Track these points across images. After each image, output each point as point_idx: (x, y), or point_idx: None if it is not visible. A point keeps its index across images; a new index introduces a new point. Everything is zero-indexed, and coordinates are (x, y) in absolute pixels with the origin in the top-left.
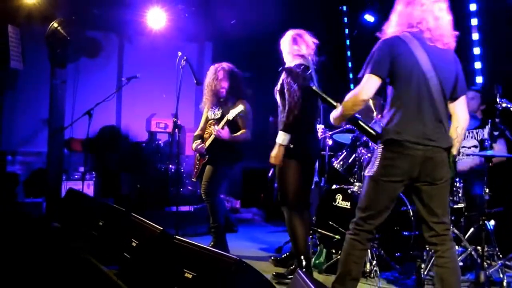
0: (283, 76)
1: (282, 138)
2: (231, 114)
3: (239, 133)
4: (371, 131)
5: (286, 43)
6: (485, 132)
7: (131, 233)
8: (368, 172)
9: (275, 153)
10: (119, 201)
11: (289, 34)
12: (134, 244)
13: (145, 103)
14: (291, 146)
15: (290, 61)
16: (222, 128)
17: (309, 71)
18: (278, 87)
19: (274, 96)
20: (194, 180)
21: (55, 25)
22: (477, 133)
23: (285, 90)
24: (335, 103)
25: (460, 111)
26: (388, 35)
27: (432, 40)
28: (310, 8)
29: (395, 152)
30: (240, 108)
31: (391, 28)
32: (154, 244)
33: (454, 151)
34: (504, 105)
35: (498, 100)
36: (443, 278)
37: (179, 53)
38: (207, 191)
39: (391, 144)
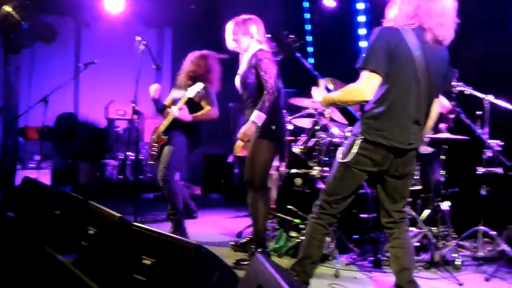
0: (254, 60)
1: (258, 117)
2: (190, 92)
3: (201, 111)
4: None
5: (252, 26)
6: None
7: (88, 221)
8: (341, 158)
9: (247, 130)
10: (77, 190)
11: (246, 18)
12: (91, 232)
13: (104, 89)
14: (273, 127)
15: (247, 45)
16: (180, 108)
17: (296, 41)
18: (242, 73)
19: (235, 82)
20: (152, 163)
21: (8, 9)
22: None
23: (261, 72)
24: (320, 78)
25: (435, 106)
26: (387, 24)
27: (431, 37)
28: None
29: (374, 147)
30: (199, 85)
31: (391, 15)
32: (112, 232)
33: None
34: (459, 88)
35: (454, 84)
36: (398, 257)
37: (138, 38)
38: (164, 178)
39: (374, 143)
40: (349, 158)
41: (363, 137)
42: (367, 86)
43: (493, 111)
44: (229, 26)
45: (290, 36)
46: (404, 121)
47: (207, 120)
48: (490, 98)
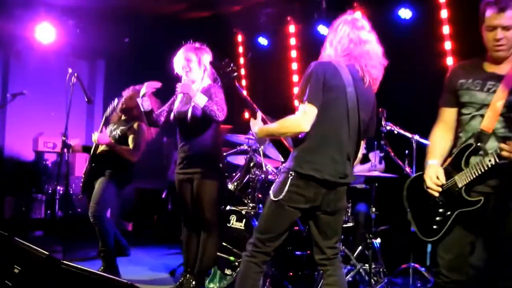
0: (209, 92)
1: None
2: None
3: (122, 147)
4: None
5: (206, 57)
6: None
7: (13, 259)
8: (273, 196)
9: None
10: (1, 225)
11: (201, 46)
12: (16, 271)
13: (32, 121)
14: (221, 165)
15: (200, 76)
16: (101, 130)
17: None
18: (195, 106)
19: (179, 114)
20: (80, 197)
21: None
22: None
23: (216, 105)
24: (256, 108)
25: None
26: (324, 59)
27: (363, 76)
28: (201, 28)
29: (305, 183)
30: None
31: (326, 53)
32: (39, 270)
33: None
34: (388, 128)
35: (383, 123)
36: None
37: (70, 70)
38: (95, 214)
39: (306, 177)
40: (281, 196)
41: (295, 170)
42: (304, 118)
43: (419, 149)
44: (184, 52)
45: (229, 64)
46: (335, 154)
47: (123, 156)
48: (417, 137)
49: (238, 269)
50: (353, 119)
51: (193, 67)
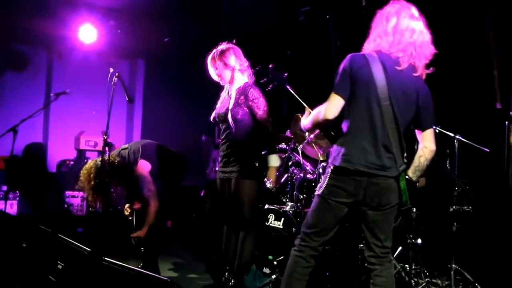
0: (243, 97)
1: (275, 159)
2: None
3: (147, 218)
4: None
5: (231, 58)
6: None
7: (57, 255)
8: (318, 189)
9: (273, 176)
10: (44, 221)
11: (223, 49)
12: (60, 267)
13: (74, 120)
14: (257, 164)
15: (231, 77)
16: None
17: (283, 73)
18: (231, 105)
19: (219, 116)
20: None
21: None
22: None
23: (254, 106)
24: (306, 106)
25: (426, 142)
26: (363, 51)
27: (400, 64)
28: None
29: (343, 175)
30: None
31: (367, 44)
32: (81, 266)
33: (413, 177)
34: (437, 130)
35: None
36: None
37: (111, 70)
38: None
39: (342, 169)
40: (322, 189)
41: (332, 164)
42: (328, 107)
43: (461, 149)
44: (209, 61)
45: (275, 68)
46: (366, 145)
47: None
48: (459, 137)
49: (276, 268)
50: (387, 109)
51: (222, 74)
